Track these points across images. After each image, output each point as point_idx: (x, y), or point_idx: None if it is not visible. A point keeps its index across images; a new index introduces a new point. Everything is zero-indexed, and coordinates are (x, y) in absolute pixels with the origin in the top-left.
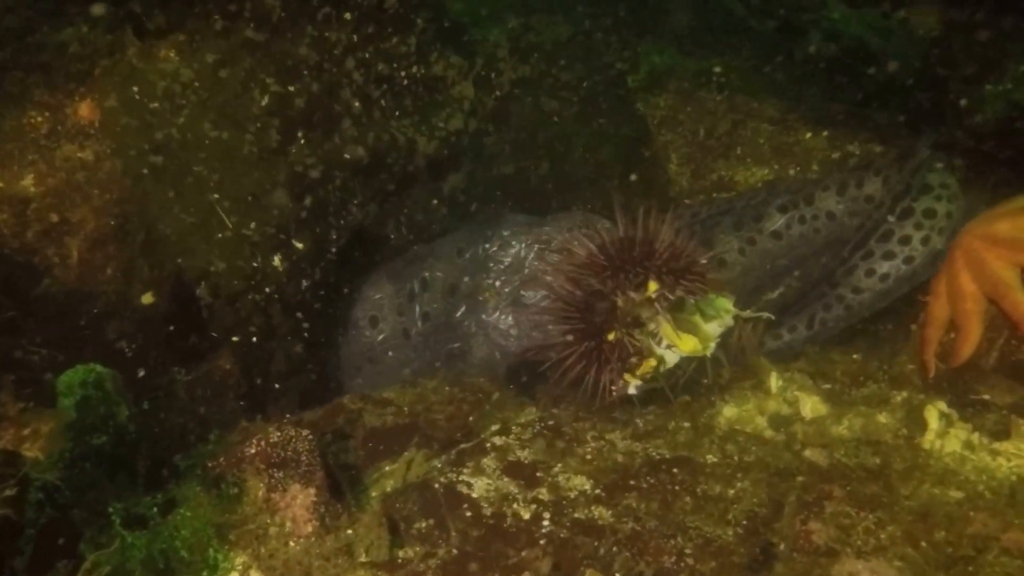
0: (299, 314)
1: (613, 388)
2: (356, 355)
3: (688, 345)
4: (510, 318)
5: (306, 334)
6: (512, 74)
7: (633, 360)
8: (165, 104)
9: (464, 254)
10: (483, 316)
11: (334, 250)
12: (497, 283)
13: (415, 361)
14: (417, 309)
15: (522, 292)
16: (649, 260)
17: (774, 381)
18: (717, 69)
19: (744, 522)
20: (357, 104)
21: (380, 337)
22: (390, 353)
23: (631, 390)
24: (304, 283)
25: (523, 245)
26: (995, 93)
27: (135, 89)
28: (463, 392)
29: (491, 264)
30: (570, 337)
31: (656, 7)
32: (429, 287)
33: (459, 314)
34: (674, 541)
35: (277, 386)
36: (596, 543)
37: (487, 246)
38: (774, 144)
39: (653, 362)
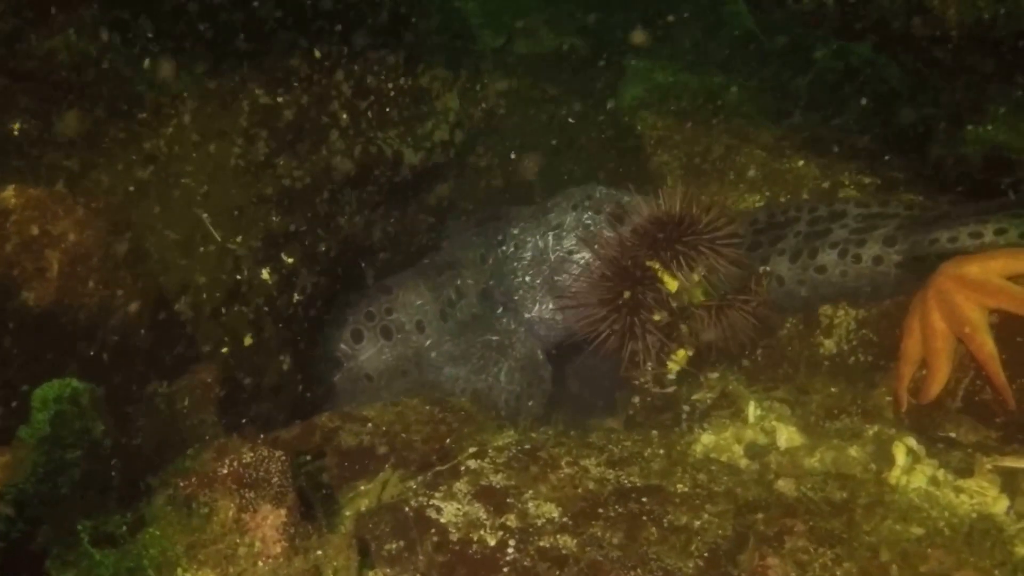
0: (291, 327)
1: (650, 364)
2: (401, 359)
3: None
4: (551, 305)
5: (298, 347)
6: (498, 87)
7: (674, 346)
8: (152, 114)
9: (487, 259)
10: (525, 315)
11: (324, 262)
12: (527, 278)
13: (453, 363)
14: (458, 315)
15: (555, 277)
16: (691, 236)
17: (752, 410)
18: (718, 86)
19: (706, 554)
20: (345, 116)
21: (428, 342)
22: (433, 354)
23: (671, 375)
24: (296, 296)
25: (537, 237)
26: (976, 134)
27: (122, 98)
28: (443, 412)
29: (515, 264)
30: (604, 311)
31: (665, 21)
32: (464, 295)
33: (499, 312)
34: (634, 573)
35: (265, 400)
36: (558, 572)
37: (504, 248)
38: (767, 171)
39: (689, 351)
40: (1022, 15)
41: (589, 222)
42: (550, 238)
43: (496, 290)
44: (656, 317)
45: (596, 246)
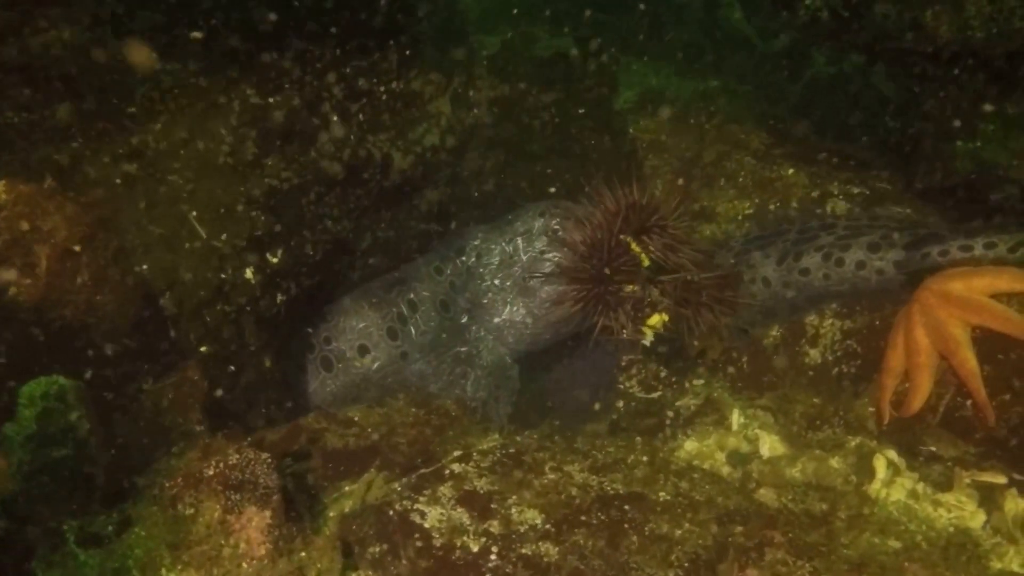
0: (273, 327)
1: (624, 331)
2: (349, 386)
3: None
4: (522, 308)
5: (279, 347)
6: (490, 92)
7: (648, 311)
8: (142, 108)
9: (443, 271)
10: (495, 320)
11: (309, 264)
12: (496, 281)
13: (419, 379)
14: (413, 331)
15: (527, 277)
16: (659, 218)
17: (736, 417)
18: (712, 90)
19: (686, 564)
20: (335, 118)
21: (375, 365)
22: (389, 379)
23: (646, 341)
24: (279, 297)
25: (503, 243)
26: (965, 150)
27: (112, 91)
28: (428, 415)
29: (481, 270)
30: (580, 284)
31: (657, 24)
32: (419, 308)
33: (464, 320)
34: None
35: (246, 399)
36: None
37: (463, 259)
38: (757, 178)
39: (665, 316)
40: (1012, 35)
41: (557, 227)
42: (519, 242)
43: (459, 299)
44: (629, 287)
45: (571, 225)
